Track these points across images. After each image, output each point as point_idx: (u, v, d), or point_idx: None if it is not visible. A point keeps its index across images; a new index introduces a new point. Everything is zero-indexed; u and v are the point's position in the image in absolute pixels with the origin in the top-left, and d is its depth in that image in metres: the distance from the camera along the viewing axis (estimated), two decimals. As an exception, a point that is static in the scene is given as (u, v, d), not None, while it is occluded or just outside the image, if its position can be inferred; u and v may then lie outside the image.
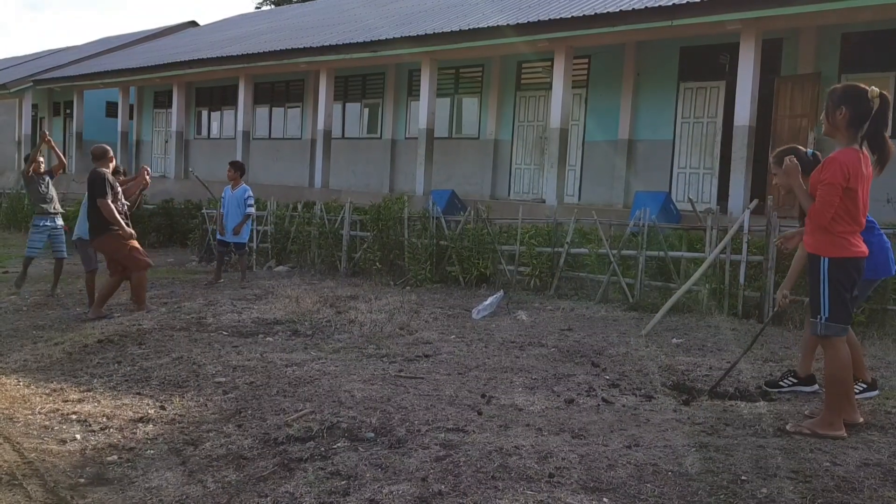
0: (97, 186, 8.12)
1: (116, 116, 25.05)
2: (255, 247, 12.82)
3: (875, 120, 4.04)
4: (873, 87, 4.06)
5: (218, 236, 10.96)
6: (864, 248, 4.18)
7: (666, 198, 11.70)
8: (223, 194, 10.90)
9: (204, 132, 24.20)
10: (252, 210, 10.80)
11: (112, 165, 8.52)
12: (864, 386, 4.84)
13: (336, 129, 18.97)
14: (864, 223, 4.20)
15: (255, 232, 12.90)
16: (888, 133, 4.16)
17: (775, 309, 5.33)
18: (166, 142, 24.94)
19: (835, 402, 4.16)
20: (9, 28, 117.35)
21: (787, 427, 4.24)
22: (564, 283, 9.30)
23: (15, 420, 4.84)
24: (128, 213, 8.52)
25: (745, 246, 7.84)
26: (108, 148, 8.60)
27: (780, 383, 5.13)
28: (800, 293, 6.18)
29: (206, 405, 5.04)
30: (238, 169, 10.82)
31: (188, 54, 21.64)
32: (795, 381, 5.04)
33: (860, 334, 6.77)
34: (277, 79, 21.03)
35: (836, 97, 4.11)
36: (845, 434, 4.10)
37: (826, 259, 4.12)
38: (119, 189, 8.40)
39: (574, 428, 4.31)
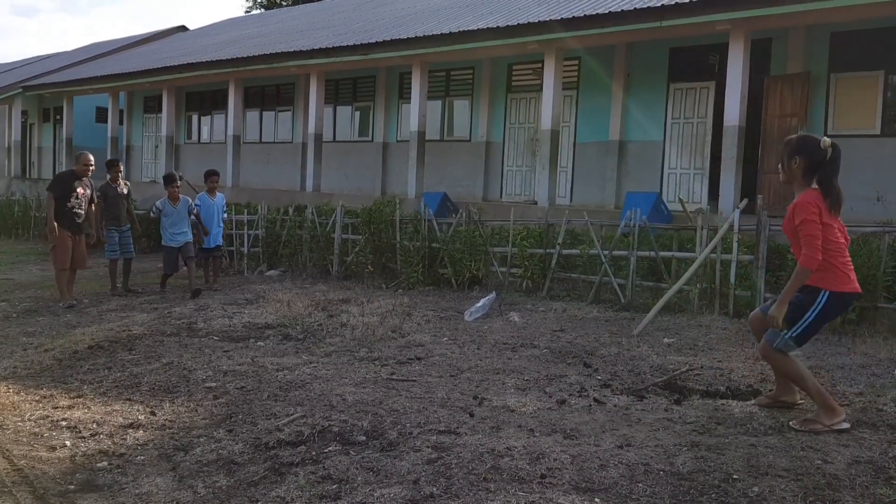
0: (52, 181, 9.64)
1: (106, 122, 24.98)
2: (246, 251, 12.79)
3: (827, 168, 4.26)
4: (825, 138, 4.29)
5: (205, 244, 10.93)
6: (857, 285, 4.34)
7: (657, 198, 11.72)
8: (198, 202, 10.80)
9: (194, 137, 24.15)
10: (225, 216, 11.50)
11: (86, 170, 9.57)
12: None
13: (327, 132, 18.95)
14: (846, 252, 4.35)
15: (245, 236, 12.89)
16: (838, 179, 4.33)
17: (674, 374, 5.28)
18: (156, 147, 24.88)
19: (816, 395, 4.30)
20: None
21: (792, 424, 4.28)
22: (556, 285, 9.30)
23: (4, 427, 4.80)
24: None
25: (735, 245, 7.85)
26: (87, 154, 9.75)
27: None
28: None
29: (196, 410, 5.02)
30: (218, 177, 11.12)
31: (178, 59, 21.58)
32: None
33: (851, 332, 6.81)
34: (268, 82, 21.01)
35: (791, 148, 4.35)
36: (844, 415, 4.26)
37: (827, 292, 4.23)
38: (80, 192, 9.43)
39: (566, 428, 4.31)
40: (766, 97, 12.08)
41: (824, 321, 4.36)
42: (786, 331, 4.28)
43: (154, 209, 10.44)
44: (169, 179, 10.54)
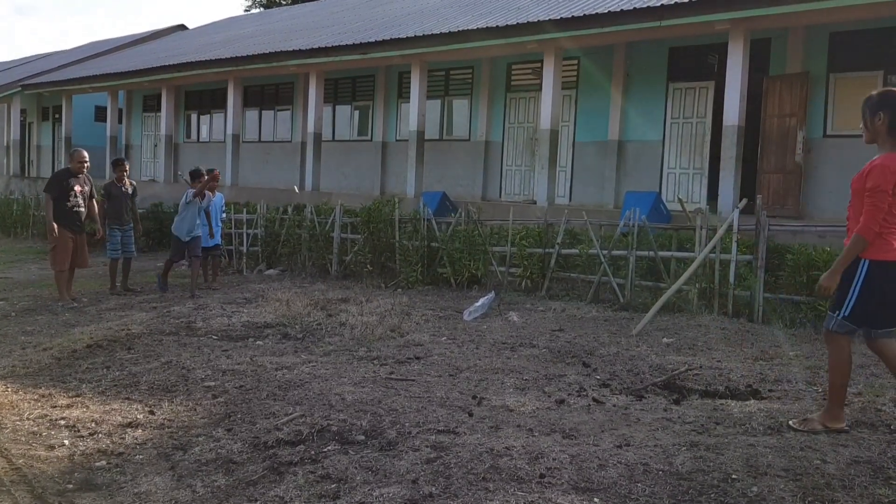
0: (48, 182, 9.63)
1: (105, 121, 24.94)
2: (245, 250, 12.78)
3: None
4: None
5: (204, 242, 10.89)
6: None
7: (656, 198, 11.71)
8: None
9: (193, 135, 24.13)
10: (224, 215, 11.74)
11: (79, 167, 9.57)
12: None
13: (326, 131, 18.93)
14: None
15: (244, 235, 12.89)
16: None
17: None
18: (155, 145, 24.86)
19: (834, 395, 4.22)
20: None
21: (792, 423, 4.26)
22: (555, 284, 9.30)
23: (3, 426, 4.80)
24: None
25: (734, 245, 7.85)
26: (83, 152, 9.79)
27: None
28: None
29: (195, 410, 5.01)
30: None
31: (177, 58, 21.56)
32: None
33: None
34: (267, 81, 20.99)
35: (872, 104, 4.12)
36: (845, 426, 4.18)
37: (867, 261, 4.10)
38: (77, 189, 9.42)
39: (565, 428, 4.31)
40: (766, 97, 12.08)
41: (874, 296, 4.09)
42: (838, 311, 4.17)
43: (186, 198, 10.13)
44: (196, 174, 10.49)
